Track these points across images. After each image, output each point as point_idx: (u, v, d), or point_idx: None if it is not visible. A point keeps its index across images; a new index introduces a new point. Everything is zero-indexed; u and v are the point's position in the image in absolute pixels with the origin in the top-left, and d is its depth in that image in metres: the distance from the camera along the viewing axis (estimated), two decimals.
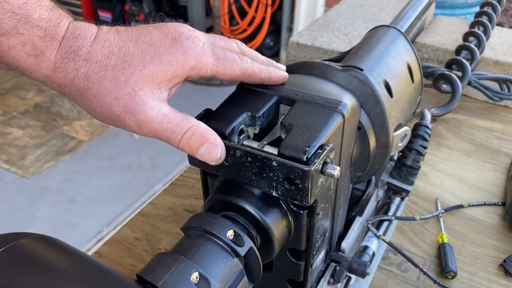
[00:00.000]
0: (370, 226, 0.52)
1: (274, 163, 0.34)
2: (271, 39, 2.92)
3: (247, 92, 0.40)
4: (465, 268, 0.54)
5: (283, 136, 0.37)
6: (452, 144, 0.76)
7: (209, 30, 2.88)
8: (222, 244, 0.33)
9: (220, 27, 2.85)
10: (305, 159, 0.34)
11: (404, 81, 0.49)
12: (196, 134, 0.34)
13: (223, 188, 0.39)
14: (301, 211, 0.37)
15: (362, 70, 0.44)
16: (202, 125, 0.35)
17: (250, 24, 2.85)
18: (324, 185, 0.36)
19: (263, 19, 2.80)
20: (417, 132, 0.55)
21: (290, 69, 0.46)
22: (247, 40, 2.90)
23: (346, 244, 0.49)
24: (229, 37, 0.39)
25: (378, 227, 0.55)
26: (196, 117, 0.38)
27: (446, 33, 0.94)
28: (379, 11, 1.03)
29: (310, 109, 0.38)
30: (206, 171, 0.40)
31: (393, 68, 0.48)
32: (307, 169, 0.33)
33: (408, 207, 0.63)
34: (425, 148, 0.55)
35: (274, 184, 0.35)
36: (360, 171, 0.47)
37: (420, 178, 0.68)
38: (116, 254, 0.56)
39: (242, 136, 0.38)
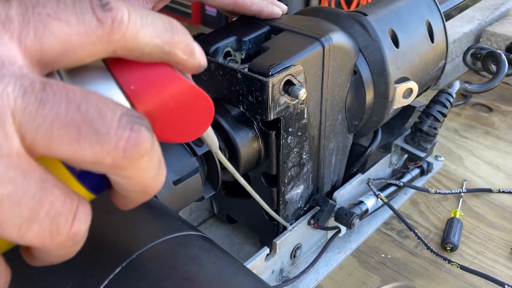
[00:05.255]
0: (370, 184, 0.52)
1: (239, 75, 0.36)
2: None
3: (242, 22, 0.43)
4: (473, 247, 0.51)
5: None
6: (503, 134, 0.71)
7: None
8: None
9: None
10: (269, 75, 0.35)
11: (419, 36, 0.48)
12: None
13: None
14: (270, 131, 0.39)
15: (366, 15, 0.44)
16: None
17: None
18: (291, 108, 0.38)
19: None
20: (437, 98, 0.53)
21: (301, 12, 0.47)
22: None
23: (339, 194, 0.49)
24: None
25: (383, 190, 0.54)
26: None
27: None
28: None
29: (293, 37, 0.40)
30: None
31: (406, 21, 0.47)
32: (265, 80, 0.34)
33: (429, 183, 0.60)
34: (444, 115, 0.53)
35: (240, 98, 0.37)
36: (357, 120, 0.47)
37: (454, 161, 0.65)
38: None
39: (228, 58, 0.41)
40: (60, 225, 0.19)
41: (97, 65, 0.23)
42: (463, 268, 0.46)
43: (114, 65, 0.22)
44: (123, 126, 0.19)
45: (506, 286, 0.44)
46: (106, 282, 0.22)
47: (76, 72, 0.22)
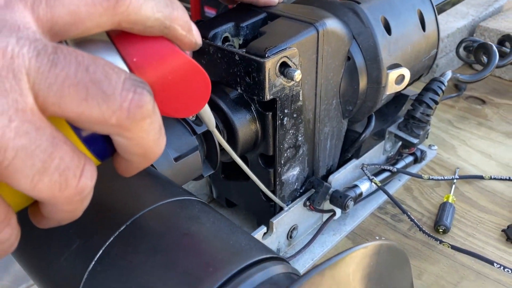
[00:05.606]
0: (364, 169, 0.53)
1: (237, 57, 0.38)
2: None
3: (240, 9, 0.45)
4: (464, 229, 0.53)
5: None
6: (495, 125, 0.72)
7: None
8: (181, 121, 0.38)
9: None
10: (265, 56, 0.37)
11: (411, 25, 0.50)
12: None
13: None
14: (266, 113, 0.41)
15: (359, 3, 0.46)
16: None
17: None
18: (287, 89, 0.39)
19: None
20: (429, 86, 0.55)
21: (296, 1, 0.49)
22: None
23: (334, 178, 0.51)
24: None
25: (377, 176, 0.55)
26: None
27: None
28: None
29: (289, 23, 0.41)
30: None
31: (398, 10, 0.49)
32: (262, 60, 0.36)
33: (422, 171, 0.62)
34: (436, 102, 0.54)
35: (238, 80, 0.39)
36: (351, 105, 0.48)
37: (447, 150, 0.66)
38: None
39: (226, 43, 0.43)
40: (68, 179, 0.20)
41: (102, 38, 0.24)
42: (454, 248, 0.48)
43: (118, 39, 0.24)
44: (127, 88, 0.20)
45: (495, 264, 0.45)
46: (112, 238, 0.24)
47: (82, 44, 0.24)
